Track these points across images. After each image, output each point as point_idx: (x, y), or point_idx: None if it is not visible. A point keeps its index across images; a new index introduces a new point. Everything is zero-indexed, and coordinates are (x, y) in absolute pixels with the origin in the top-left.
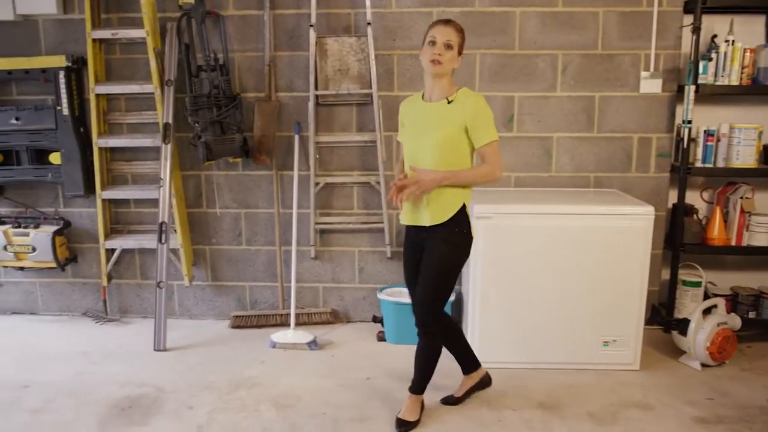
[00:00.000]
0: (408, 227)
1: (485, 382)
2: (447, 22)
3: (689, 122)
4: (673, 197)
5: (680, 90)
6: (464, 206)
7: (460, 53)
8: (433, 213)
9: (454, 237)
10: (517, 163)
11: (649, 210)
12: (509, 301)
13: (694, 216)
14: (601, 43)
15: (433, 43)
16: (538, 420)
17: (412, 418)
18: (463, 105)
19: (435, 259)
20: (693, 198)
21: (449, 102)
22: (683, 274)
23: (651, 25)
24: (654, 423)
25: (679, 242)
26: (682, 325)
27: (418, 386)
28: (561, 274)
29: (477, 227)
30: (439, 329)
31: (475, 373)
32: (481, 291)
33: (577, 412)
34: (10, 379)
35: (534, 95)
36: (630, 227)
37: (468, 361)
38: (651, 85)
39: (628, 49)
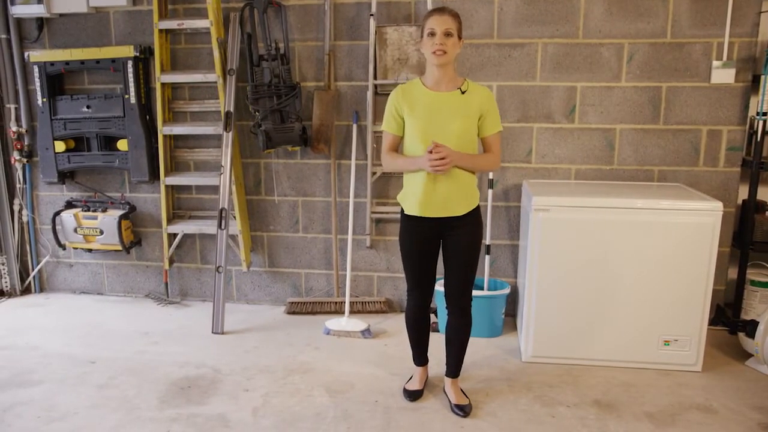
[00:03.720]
0: (423, 220)
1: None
2: (442, 10)
3: (765, 114)
4: (743, 193)
5: (755, 80)
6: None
7: (459, 38)
8: (467, 201)
9: (479, 221)
10: (577, 155)
11: (716, 206)
12: (566, 295)
13: (766, 213)
14: (671, 32)
15: (432, 34)
16: (593, 418)
17: (467, 401)
18: (477, 95)
19: (470, 243)
20: (765, 194)
21: (463, 92)
22: (752, 274)
23: (725, 12)
24: (717, 427)
25: (748, 240)
26: (750, 327)
27: (459, 368)
28: (621, 269)
29: (535, 219)
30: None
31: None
32: (538, 284)
33: (635, 411)
34: (79, 355)
35: (597, 85)
36: (695, 223)
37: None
38: (723, 75)
39: (700, 37)
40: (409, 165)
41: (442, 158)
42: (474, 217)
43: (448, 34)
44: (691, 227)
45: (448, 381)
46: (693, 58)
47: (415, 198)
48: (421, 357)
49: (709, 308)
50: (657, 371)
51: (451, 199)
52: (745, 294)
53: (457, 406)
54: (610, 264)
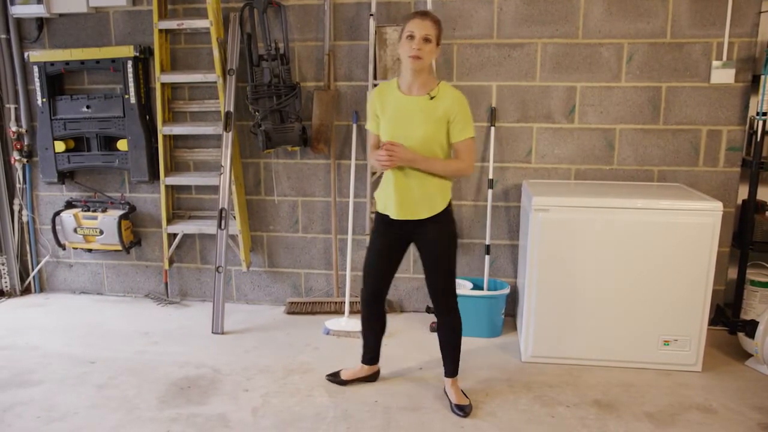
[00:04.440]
0: (390, 221)
1: (375, 376)
2: (424, 15)
3: (764, 114)
4: (743, 193)
5: (755, 80)
6: (450, 201)
7: (438, 45)
8: (429, 206)
9: (449, 222)
10: (577, 155)
11: (716, 206)
12: (565, 295)
13: (766, 213)
14: (670, 32)
15: (411, 37)
16: (593, 418)
17: (467, 401)
18: (445, 101)
19: (440, 245)
20: (765, 194)
21: (431, 98)
22: (752, 274)
23: (725, 12)
24: (717, 427)
25: (748, 240)
26: (750, 327)
27: (455, 368)
28: (621, 269)
29: (535, 219)
30: (459, 317)
31: (373, 366)
32: (537, 284)
33: (635, 411)
34: (79, 355)
35: (597, 85)
36: (695, 223)
37: (376, 354)
38: (723, 75)
39: (700, 37)
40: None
41: (391, 156)
42: (441, 220)
43: (426, 40)
44: (691, 227)
45: (447, 381)
46: (693, 58)
47: (384, 198)
48: (366, 355)
49: (709, 308)
50: (657, 371)
51: (413, 202)
52: (745, 294)
53: (458, 406)
54: (609, 264)
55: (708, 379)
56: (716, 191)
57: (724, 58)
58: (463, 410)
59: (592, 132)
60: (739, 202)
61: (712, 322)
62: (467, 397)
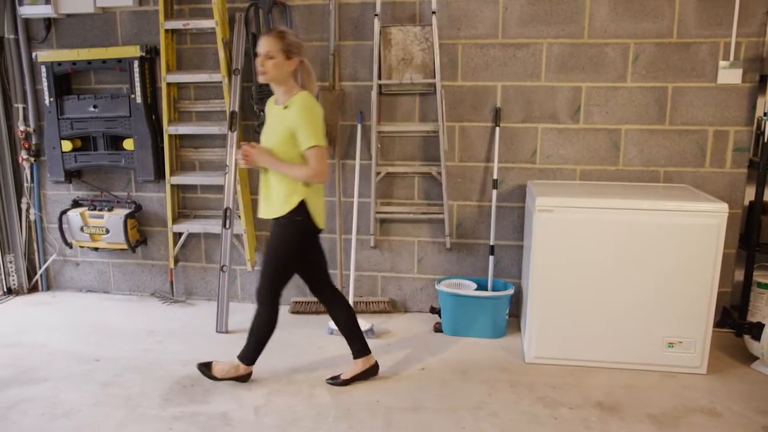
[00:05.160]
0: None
1: (373, 370)
2: (267, 32)
3: None
4: (750, 194)
5: (763, 80)
6: (303, 202)
7: (288, 57)
8: (274, 207)
9: (286, 229)
10: (582, 156)
11: (722, 207)
12: (569, 296)
13: None
14: (677, 32)
15: (257, 55)
16: (596, 419)
17: (216, 372)
18: (292, 111)
19: (271, 243)
20: None
21: (285, 107)
22: (759, 276)
23: (732, 12)
24: (721, 430)
25: (755, 242)
26: (756, 330)
27: (248, 354)
28: (625, 270)
29: (538, 220)
30: (273, 307)
31: (365, 359)
32: (541, 285)
33: (638, 413)
34: (84, 353)
35: (602, 86)
36: (701, 225)
37: (359, 345)
38: (730, 76)
39: (706, 37)
40: None
41: (245, 156)
42: (281, 223)
43: (269, 57)
44: (696, 229)
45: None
46: (699, 58)
47: None
48: (365, 346)
49: (715, 310)
50: (661, 373)
51: (267, 201)
52: (752, 296)
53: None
54: (614, 265)
55: (713, 381)
56: (723, 192)
57: (731, 58)
58: (203, 369)
59: (598, 132)
60: (746, 203)
61: (719, 324)
62: (228, 376)
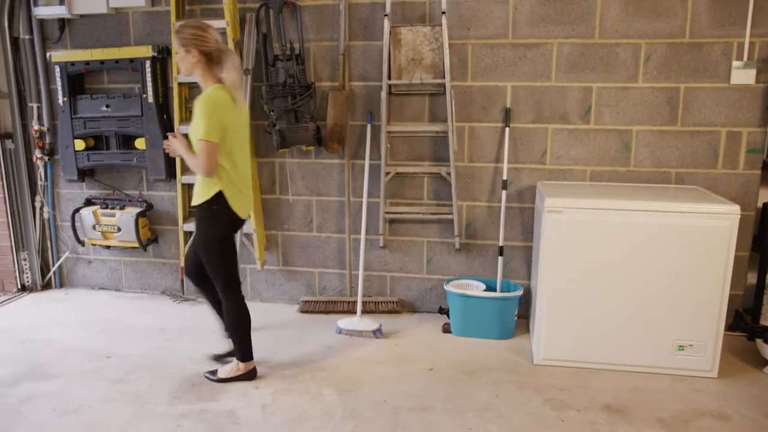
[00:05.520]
0: None
1: (252, 375)
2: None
3: None
4: (763, 196)
5: None
6: (221, 193)
7: (187, 51)
8: (197, 195)
9: (205, 217)
10: (593, 157)
11: (734, 209)
12: (579, 297)
13: None
14: (689, 31)
15: None
16: (603, 422)
17: (221, 375)
18: (196, 104)
19: (199, 237)
20: None
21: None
22: None
23: (746, 11)
24: None
25: None
26: None
27: (238, 350)
28: (635, 272)
29: (547, 221)
30: (236, 297)
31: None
32: (550, 286)
33: (646, 417)
34: (95, 350)
35: (613, 86)
36: (712, 226)
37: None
38: (743, 76)
39: (719, 37)
40: None
41: (167, 145)
42: (200, 212)
43: (175, 52)
44: (708, 230)
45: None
46: (712, 58)
47: None
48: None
49: (727, 313)
50: (671, 376)
51: (195, 188)
52: (765, 299)
53: (212, 372)
54: (624, 267)
55: (724, 385)
56: (736, 194)
57: (745, 58)
58: (214, 374)
59: (608, 133)
60: (759, 205)
61: (731, 327)
62: (231, 378)
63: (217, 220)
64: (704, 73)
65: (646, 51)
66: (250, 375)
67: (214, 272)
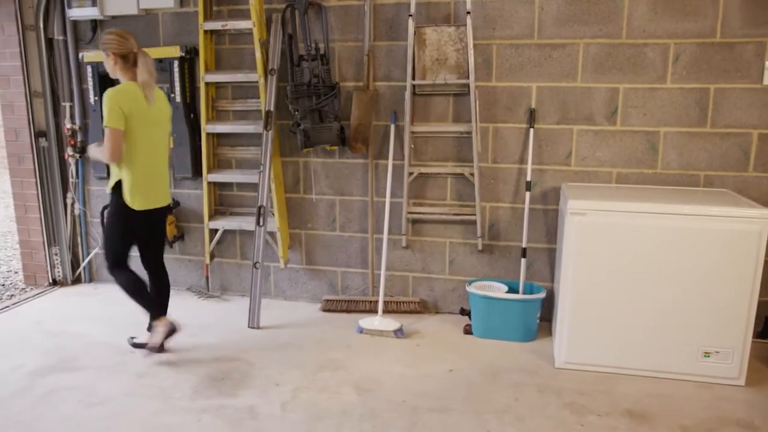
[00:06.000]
0: None
1: (173, 327)
2: None
3: None
4: None
5: None
6: (119, 182)
7: (107, 55)
8: (108, 183)
9: (113, 202)
10: (619, 158)
11: (764, 213)
12: (602, 301)
13: None
14: (720, 31)
15: None
16: (624, 428)
17: (150, 345)
18: None
19: (107, 217)
20: None
21: None
22: None
23: None
24: None
25: None
26: None
27: (149, 315)
28: (661, 276)
29: (570, 223)
30: (119, 274)
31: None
32: (573, 289)
33: (669, 424)
34: (122, 344)
35: (641, 87)
36: (741, 231)
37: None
38: None
39: (752, 36)
40: None
41: None
42: (110, 200)
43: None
44: (737, 235)
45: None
46: (744, 58)
47: None
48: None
49: (755, 320)
50: (696, 383)
51: None
52: None
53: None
54: (649, 270)
55: (751, 394)
56: (767, 198)
57: None
58: (144, 345)
59: (635, 134)
60: None
61: (760, 334)
62: (160, 339)
63: (117, 206)
64: (735, 74)
65: (675, 51)
66: (171, 328)
67: (105, 249)
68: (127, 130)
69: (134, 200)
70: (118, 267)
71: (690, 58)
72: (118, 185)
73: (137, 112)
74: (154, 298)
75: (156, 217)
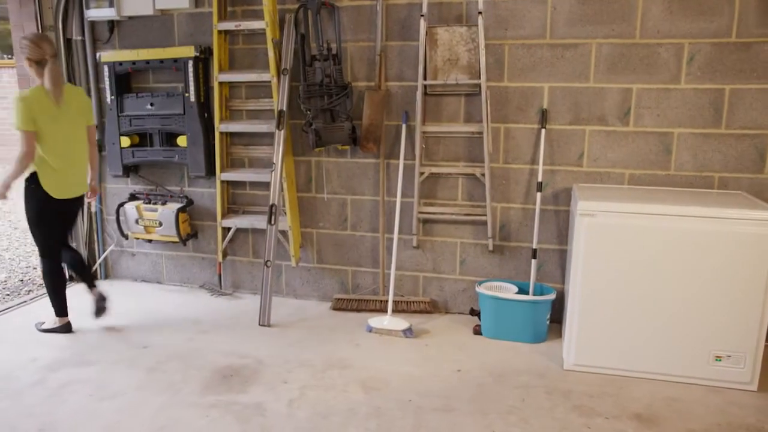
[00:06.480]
0: None
1: (67, 328)
2: None
3: None
4: None
5: None
6: (35, 174)
7: (24, 59)
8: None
9: (25, 194)
10: (631, 160)
11: None
12: (612, 303)
13: None
14: (736, 31)
15: None
16: (632, 431)
17: (43, 328)
18: None
19: (25, 211)
20: None
21: None
22: None
23: None
24: None
25: None
26: None
27: (53, 308)
28: (672, 278)
29: (580, 224)
30: (49, 260)
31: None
32: (583, 291)
33: (678, 428)
34: (134, 339)
35: (654, 87)
36: (754, 233)
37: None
38: None
39: None
40: None
41: None
42: (25, 188)
43: None
44: (751, 237)
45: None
46: (761, 58)
47: None
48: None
49: None
50: (706, 388)
51: None
52: None
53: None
54: (660, 273)
55: (763, 399)
56: None
57: None
58: (41, 324)
59: (648, 135)
60: None
61: None
62: (49, 329)
63: (32, 196)
64: (752, 74)
65: (689, 51)
66: (65, 328)
67: (33, 233)
68: (38, 130)
69: (53, 188)
70: (51, 255)
71: (705, 58)
72: (33, 177)
73: (43, 114)
74: (77, 266)
75: (72, 205)
